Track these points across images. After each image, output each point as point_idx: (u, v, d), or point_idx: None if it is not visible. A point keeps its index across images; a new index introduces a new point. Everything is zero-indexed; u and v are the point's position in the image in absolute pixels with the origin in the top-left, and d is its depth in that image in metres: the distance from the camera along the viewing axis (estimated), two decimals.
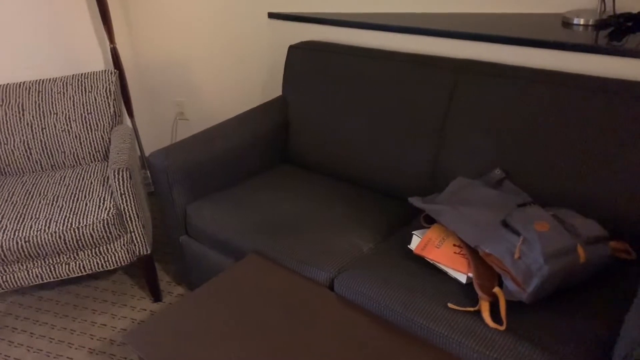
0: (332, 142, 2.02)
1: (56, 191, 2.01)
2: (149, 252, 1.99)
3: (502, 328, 1.22)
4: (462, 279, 1.38)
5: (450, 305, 1.30)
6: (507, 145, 1.62)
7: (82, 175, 2.13)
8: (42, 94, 2.25)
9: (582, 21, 1.72)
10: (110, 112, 2.28)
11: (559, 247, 1.24)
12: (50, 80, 2.28)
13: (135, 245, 1.95)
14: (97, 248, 1.90)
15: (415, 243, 1.52)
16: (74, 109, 2.25)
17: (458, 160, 1.72)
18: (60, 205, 1.90)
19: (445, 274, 1.42)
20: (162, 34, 2.76)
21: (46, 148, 2.23)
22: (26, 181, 2.12)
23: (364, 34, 2.11)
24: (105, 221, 1.84)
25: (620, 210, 1.44)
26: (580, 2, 1.77)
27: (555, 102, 1.55)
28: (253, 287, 1.50)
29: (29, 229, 1.80)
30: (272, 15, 2.37)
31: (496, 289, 1.28)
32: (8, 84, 2.25)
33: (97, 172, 2.15)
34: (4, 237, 1.77)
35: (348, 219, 1.73)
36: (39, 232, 1.79)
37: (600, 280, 1.35)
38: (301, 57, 2.14)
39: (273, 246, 1.64)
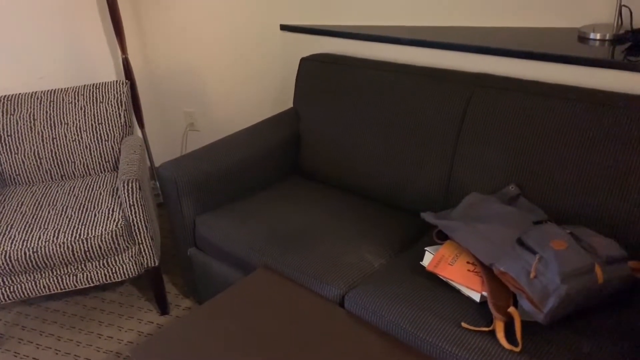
0: (343, 155, 2.00)
1: (65, 201, 2.00)
2: (157, 264, 1.98)
3: (518, 350, 1.18)
4: (476, 297, 1.34)
5: (463, 324, 1.27)
6: (522, 160, 1.59)
7: (92, 186, 2.12)
8: (53, 104, 2.25)
9: (598, 36, 1.69)
10: (120, 123, 2.28)
11: (576, 266, 1.21)
12: (61, 90, 2.29)
13: (143, 257, 1.94)
14: (105, 259, 1.89)
15: (427, 260, 1.49)
16: (85, 119, 2.25)
17: (472, 175, 1.69)
18: (70, 216, 1.90)
19: (458, 292, 1.39)
20: (174, 44, 2.77)
21: (56, 158, 2.23)
22: (36, 191, 2.12)
23: (377, 47, 2.10)
24: (114, 232, 1.83)
25: (638, 229, 1.40)
26: (597, 17, 1.75)
27: (571, 117, 1.52)
28: (262, 302, 1.47)
29: (37, 239, 1.79)
30: (284, 27, 2.37)
31: (511, 309, 1.25)
32: (20, 94, 2.25)
33: (106, 183, 2.14)
34: (13, 248, 1.76)
35: (359, 233, 1.71)
36: (47, 242, 1.78)
37: (619, 301, 1.31)
38: (313, 69, 2.13)
39: (283, 260, 1.61)
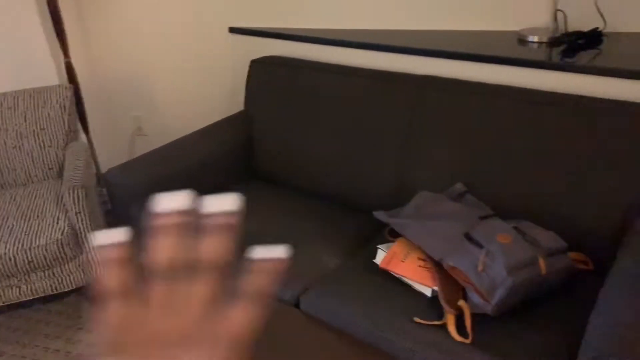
0: (297, 157, 2.01)
1: (6, 210, 1.92)
2: None
3: (468, 341, 1.22)
4: (428, 292, 1.38)
5: (416, 319, 1.30)
6: (468, 159, 1.65)
7: (35, 194, 2.04)
8: None
9: (536, 39, 1.77)
10: (64, 128, 2.21)
11: (521, 259, 1.26)
12: (0, 94, 2.19)
13: (92, 265, 1.88)
14: (50, 270, 1.82)
15: (380, 257, 1.52)
16: (26, 125, 2.17)
17: (422, 174, 1.73)
18: (11, 225, 1.82)
19: (411, 287, 1.42)
20: (120, 47, 2.70)
21: None
22: None
23: (327, 50, 2.12)
24: (60, 241, 1.76)
25: (578, 222, 1.48)
26: (535, 20, 1.83)
27: (513, 116, 1.58)
28: None
29: None
30: (233, 30, 2.36)
31: (461, 302, 1.29)
32: None
33: (50, 191, 2.07)
34: None
35: (314, 234, 1.72)
36: None
37: (561, 291, 1.37)
38: (263, 71, 2.13)
39: None
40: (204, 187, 2.07)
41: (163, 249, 0.30)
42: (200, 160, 1.98)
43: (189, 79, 2.59)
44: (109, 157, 2.98)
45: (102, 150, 2.96)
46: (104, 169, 2.89)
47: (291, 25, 2.26)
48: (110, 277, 0.30)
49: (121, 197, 1.80)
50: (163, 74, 2.66)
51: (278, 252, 0.30)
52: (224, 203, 0.31)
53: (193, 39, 2.49)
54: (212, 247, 0.31)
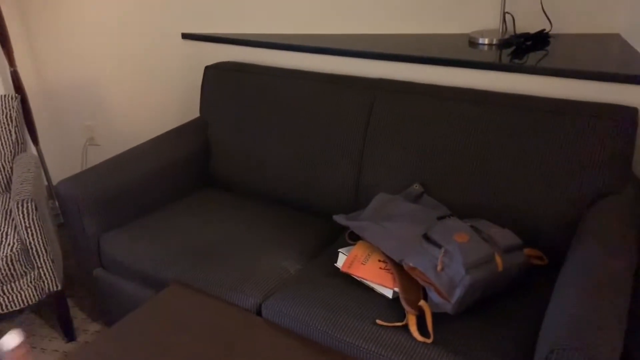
0: (254, 163, 1.99)
1: None
2: (59, 288, 1.85)
3: (430, 341, 1.23)
4: (389, 294, 1.39)
5: (378, 321, 1.30)
6: (424, 160, 1.67)
7: None
8: None
9: (486, 41, 1.82)
10: (12, 140, 2.12)
11: (478, 257, 1.28)
12: None
13: (44, 281, 1.81)
14: (0, 287, 1.74)
15: (341, 261, 1.52)
16: None
17: (379, 176, 1.75)
18: None
19: (372, 290, 1.43)
20: (69, 55, 2.62)
21: None
22: None
23: (281, 55, 2.12)
24: (9, 257, 1.69)
25: (532, 218, 1.52)
26: (485, 23, 1.88)
27: (465, 117, 1.61)
28: (176, 318, 1.42)
29: None
30: (185, 36, 2.33)
31: (422, 302, 1.30)
32: None
33: None
34: None
35: (274, 241, 1.70)
36: None
37: (518, 287, 1.40)
38: (218, 77, 2.10)
39: (196, 274, 1.57)
40: (160, 197, 2.04)
41: None
42: (155, 169, 1.94)
43: (143, 87, 2.54)
44: (61, 169, 2.89)
45: (53, 161, 2.87)
46: (55, 180, 2.80)
47: (245, 30, 2.24)
48: None
49: (73, 210, 1.74)
50: (115, 82, 2.59)
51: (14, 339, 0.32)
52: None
53: (145, 46, 2.44)
54: None
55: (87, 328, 2.04)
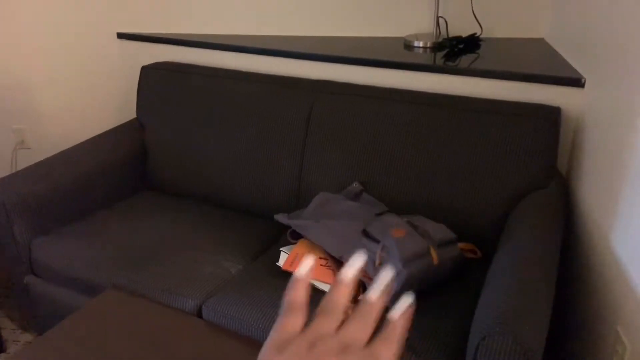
0: (194, 165, 1.97)
1: None
2: None
3: None
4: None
5: None
6: (363, 159, 1.70)
7: None
8: None
9: (421, 44, 1.88)
10: None
11: (414, 251, 1.33)
12: None
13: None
14: None
15: (283, 259, 1.52)
16: None
17: (320, 175, 1.76)
18: None
19: (314, 287, 1.44)
20: None
21: None
22: None
23: (222, 55, 2.10)
24: None
25: (465, 213, 1.58)
26: (419, 26, 1.94)
27: (401, 117, 1.66)
28: (113, 323, 1.38)
29: None
30: (121, 36, 2.27)
31: (360, 297, 1.32)
32: None
33: None
34: None
35: (215, 242, 1.69)
36: None
37: (454, 280, 1.45)
38: (156, 78, 2.07)
39: (133, 278, 1.54)
40: (95, 201, 1.97)
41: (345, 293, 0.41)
42: (90, 172, 1.88)
43: (76, 88, 2.45)
44: None
45: None
46: None
47: (183, 30, 2.21)
48: (300, 293, 0.40)
49: (1, 216, 1.66)
50: (47, 83, 2.49)
51: (407, 302, 0.40)
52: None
53: (78, 46, 2.36)
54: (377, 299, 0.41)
55: (18, 339, 1.94)
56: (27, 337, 1.95)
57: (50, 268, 1.68)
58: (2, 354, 1.88)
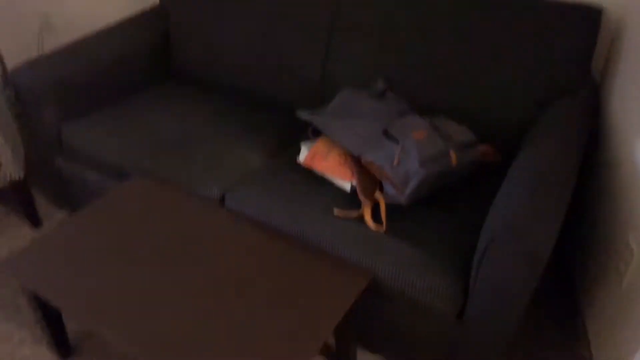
0: (217, 53, 1.94)
1: None
2: (21, 177, 1.85)
3: (383, 229, 1.30)
4: (347, 186, 1.44)
5: (336, 211, 1.36)
6: (390, 53, 1.66)
7: None
8: None
9: None
10: None
11: (433, 152, 1.33)
12: None
13: (5, 171, 1.80)
14: None
15: (303, 155, 1.55)
16: None
17: (344, 71, 1.74)
18: None
19: (332, 184, 1.48)
20: None
21: None
22: None
23: None
24: None
25: (491, 115, 1.55)
26: None
27: (437, 15, 1.59)
28: (139, 208, 1.46)
29: None
30: None
31: (377, 193, 1.36)
32: None
33: None
34: None
35: (239, 134, 1.71)
36: None
37: (471, 182, 1.47)
38: None
39: (159, 166, 1.59)
40: (121, 87, 1.99)
41: None
42: (114, 58, 1.88)
43: None
44: (17, 57, 2.76)
45: (7, 48, 2.73)
46: (10, 67, 2.69)
47: None
48: None
49: (30, 98, 1.69)
50: None
51: None
52: None
53: None
54: None
55: (52, 215, 2.07)
56: (62, 213, 2.07)
57: (80, 152, 1.74)
58: (38, 229, 2.01)
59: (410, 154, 1.32)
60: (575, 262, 1.69)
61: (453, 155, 1.36)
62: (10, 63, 2.73)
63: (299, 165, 1.55)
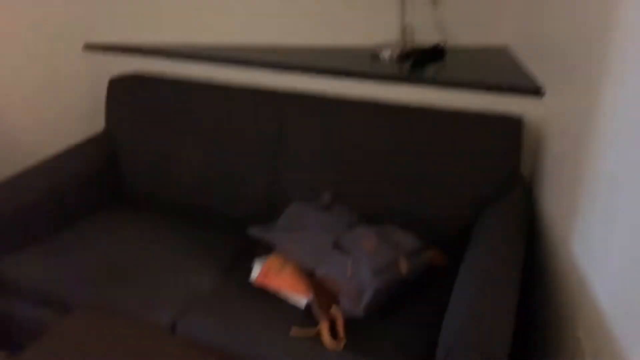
0: (166, 178, 1.96)
1: None
2: None
3: (341, 346, 1.28)
4: (303, 303, 1.42)
5: (293, 331, 1.34)
6: (334, 168, 1.73)
7: None
8: None
9: (387, 54, 1.91)
10: None
11: (384, 262, 1.36)
12: None
13: None
14: None
15: (256, 272, 1.54)
16: None
17: (292, 186, 1.79)
18: None
19: (286, 301, 1.46)
20: None
21: None
22: None
23: (192, 66, 2.09)
24: None
25: (432, 221, 1.62)
26: (386, 35, 1.97)
27: (369, 127, 1.69)
28: (85, 342, 1.38)
29: None
30: (89, 46, 2.24)
31: (333, 308, 1.35)
32: None
33: None
34: None
35: (189, 257, 1.69)
36: None
37: (422, 287, 1.49)
38: (125, 89, 2.05)
39: (105, 295, 1.53)
40: (62, 216, 1.94)
41: None
42: (56, 188, 1.85)
43: (41, 100, 2.41)
44: None
45: None
46: None
47: (152, 40, 2.20)
48: None
49: None
50: (11, 96, 2.44)
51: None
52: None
53: (43, 56, 2.32)
54: None
55: None
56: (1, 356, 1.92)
57: (16, 287, 1.65)
58: None
59: (362, 266, 1.35)
60: None
61: (403, 263, 1.39)
62: None
63: (251, 285, 1.53)
